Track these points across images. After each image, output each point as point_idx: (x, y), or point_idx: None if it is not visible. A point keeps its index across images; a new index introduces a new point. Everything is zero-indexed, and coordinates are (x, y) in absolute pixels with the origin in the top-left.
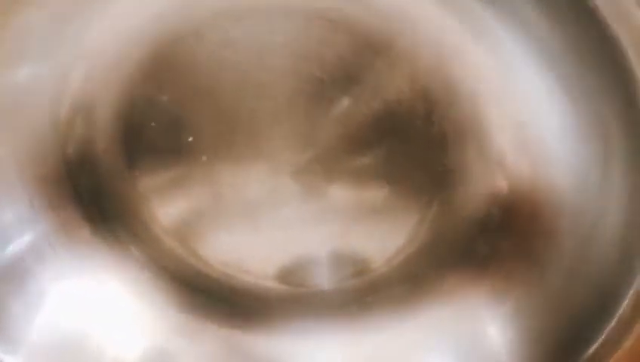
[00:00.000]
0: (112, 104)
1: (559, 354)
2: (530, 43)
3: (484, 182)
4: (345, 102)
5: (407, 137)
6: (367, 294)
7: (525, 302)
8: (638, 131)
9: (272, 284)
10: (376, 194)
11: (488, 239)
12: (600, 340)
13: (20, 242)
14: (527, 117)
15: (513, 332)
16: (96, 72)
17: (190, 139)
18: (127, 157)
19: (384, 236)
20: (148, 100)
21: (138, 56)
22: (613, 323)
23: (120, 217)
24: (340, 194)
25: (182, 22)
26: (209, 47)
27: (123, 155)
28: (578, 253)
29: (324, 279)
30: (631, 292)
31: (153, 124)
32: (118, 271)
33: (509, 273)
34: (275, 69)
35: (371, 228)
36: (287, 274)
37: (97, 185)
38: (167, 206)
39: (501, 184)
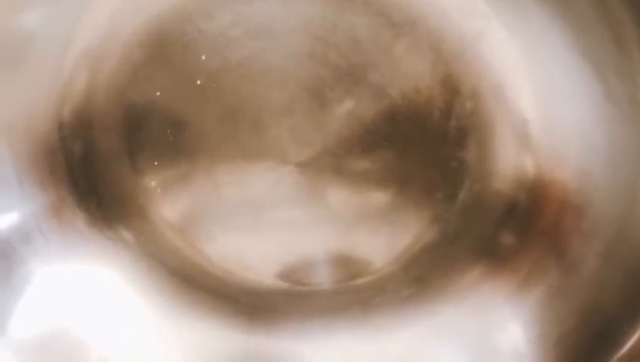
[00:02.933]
0: (115, 75)
1: (585, 356)
2: (560, 24)
3: (509, 169)
4: (360, 92)
5: (422, 131)
6: (375, 294)
7: (549, 298)
8: None
9: (273, 282)
10: (386, 191)
11: (513, 229)
12: (631, 341)
13: (6, 220)
14: (555, 103)
15: (536, 331)
16: (104, 28)
17: (192, 133)
18: (127, 142)
19: (394, 235)
20: (151, 83)
21: (145, 28)
22: None
23: (117, 206)
24: (348, 191)
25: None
26: (218, 27)
27: (123, 140)
28: (609, 246)
29: (326, 278)
30: None
31: (156, 113)
32: (110, 261)
33: (533, 266)
34: (287, 54)
35: (379, 227)
36: (289, 273)
37: (94, 168)
38: (168, 199)
39: (528, 169)
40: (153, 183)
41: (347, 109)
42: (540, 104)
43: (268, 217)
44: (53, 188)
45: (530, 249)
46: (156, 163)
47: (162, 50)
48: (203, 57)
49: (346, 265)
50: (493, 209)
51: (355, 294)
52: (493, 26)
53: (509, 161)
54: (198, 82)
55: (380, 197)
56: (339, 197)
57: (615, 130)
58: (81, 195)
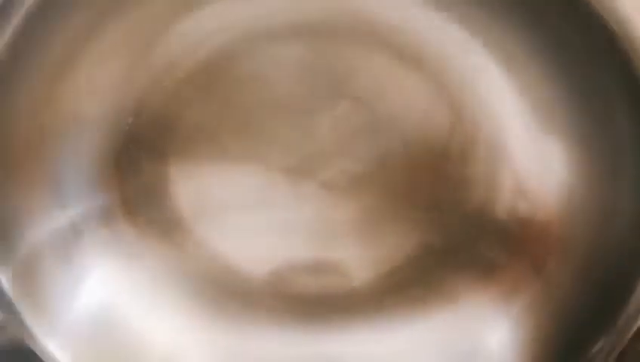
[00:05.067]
0: None
1: (562, 358)
2: (550, 67)
3: (504, 193)
4: (347, 103)
5: (430, 151)
6: (362, 302)
7: (530, 308)
8: None
9: (260, 285)
10: (376, 201)
11: (504, 246)
12: (598, 346)
13: (75, 211)
14: (543, 136)
15: (515, 339)
16: None
17: (179, 136)
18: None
19: (380, 245)
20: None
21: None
22: (614, 326)
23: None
24: (333, 198)
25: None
26: (254, 65)
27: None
28: (584, 262)
29: (310, 285)
30: (632, 297)
31: (144, 113)
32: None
33: (516, 281)
34: (280, 61)
35: (366, 237)
36: (276, 277)
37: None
38: (154, 199)
39: (520, 197)
40: (139, 182)
41: (336, 118)
42: (531, 134)
43: (253, 220)
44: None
45: (515, 265)
46: (142, 163)
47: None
48: (196, 59)
49: (330, 274)
50: (490, 225)
51: (341, 301)
52: (489, 63)
53: (506, 182)
54: (186, 86)
55: (367, 207)
56: (323, 204)
57: (591, 162)
58: (126, 191)
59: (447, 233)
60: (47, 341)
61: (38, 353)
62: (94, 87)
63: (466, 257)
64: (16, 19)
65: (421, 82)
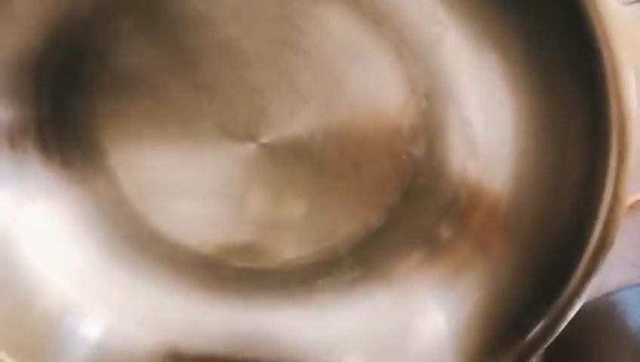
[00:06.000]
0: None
1: (500, 339)
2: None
3: (454, 168)
4: (327, 79)
5: (379, 124)
6: (321, 275)
7: (472, 290)
8: (596, 127)
9: (211, 255)
10: (342, 176)
11: (450, 223)
12: (539, 326)
13: None
14: (495, 111)
15: (458, 318)
16: None
17: (166, 103)
18: (98, 102)
19: (343, 218)
20: (133, 51)
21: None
22: (551, 310)
23: (76, 152)
24: (305, 172)
25: None
26: (200, 8)
27: (95, 98)
28: (528, 243)
29: (245, 258)
30: (571, 280)
31: (131, 81)
32: (55, 194)
33: (462, 261)
34: (263, 39)
35: (330, 209)
36: (205, 247)
37: (62, 107)
38: (130, 163)
39: (470, 172)
40: (114, 139)
41: (283, 73)
42: (484, 111)
43: (186, 182)
44: (16, 108)
45: (462, 244)
46: (121, 121)
47: (148, 20)
48: (184, 33)
49: (264, 248)
50: (436, 203)
51: (302, 274)
52: (450, 34)
53: (455, 160)
54: (177, 56)
55: (333, 180)
56: (297, 176)
57: (538, 142)
58: (43, 126)
59: (389, 211)
60: None
61: None
62: None
63: (409, 236)
64: None
65: (378, 48)
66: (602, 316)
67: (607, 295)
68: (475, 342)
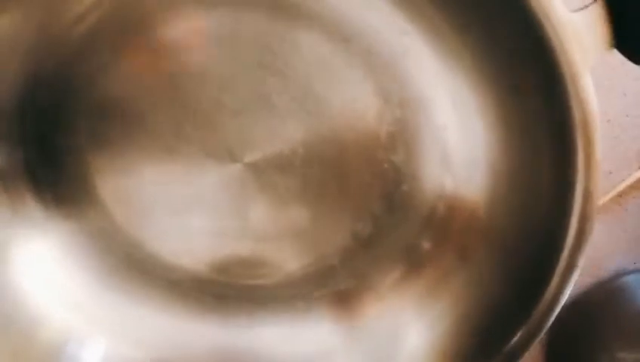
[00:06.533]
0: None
1: (482, 347)
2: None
3: (432, 179)
4: (304, 98)
5: (358, 134)
6: (316, 288)
7: (453, 301)
8: (563, 131)
9: (206, 275)
10: (327, 187)
11: (431, 233)
12: (520, 334)
13: None
14: (467, 117)
15: (443, 327)
16: None
17: (146, 128)
18: (80, 128)
19: (333, 229)
20: (110, 76)
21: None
22: (531, 318)
23: (64, 186)
24: (287, 186)
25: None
26: (177, 34)
27: (78, 124)
28: (507, 251)
29: (236, 274)
30: (549, 287)
31: (112, 106)
32: (49, 230)
33: (442, 273)
34: (239, 62)
35: (319, 220)
36: (221, 268)
37: (47, 143)
38: (118, 194)
39: (447, 181)
40: (102, 171)
41: (262, 96)
42: (456, 117)
43: (176, 207)
44: (3, 152)
45: (443, 254)
46: (107, 152)
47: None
48: (162, 59)
49: (254, 265)
50: (418, 212)
51: (298, 288)
52: (417, 45)
53: (432, 168)
54: (156, 81)
55: (319, 192)
56: (283, 191)
57: (509, 145)
58: (32, 166)
59: (375, 220)
60: None
61: None
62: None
63: (394, 246)
64: None
65: (348, 64)
66: (602, 302)
67: (607, 281)
68: (460, 352)
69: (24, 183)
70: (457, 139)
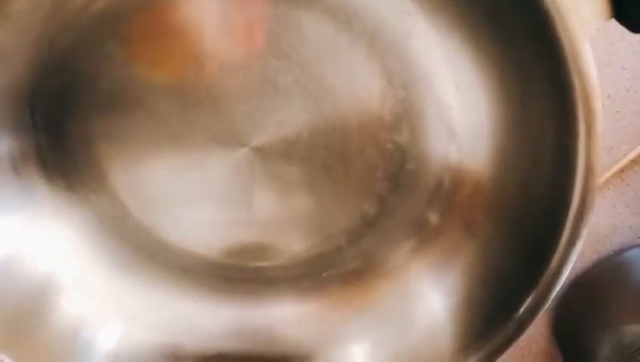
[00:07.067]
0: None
1: (491, 317)
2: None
3: (437, 155)
4: (308, 80)
5: (362, 115)
6: (325, 268)
7: (464, 271)
8: (564, 102)
9: (216, 259)
10: (332, 169)
11: (438, 208)
12: (527, 302)
13: None
14: (471, 94)
15: (454, 300)
16: None
17: (155, 117)
18: (93, 119)
19: (339, 209)
20: (118, 67)
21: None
22: (537, 287)
23: (78, 172)
24: (297, 170)
25: None
26: (179, 21)
27: (90, 116)
28: (512, 220)
29: (246, 258)
30: (556, 253)
31: (121, 96)
32: (61, 216)
33: (452, 244)
34: (242, 46)
35: (325, 202)
36: (231, 252)
37: (59, 130)
38: (127, 176)
39: (452, 155)
40: (112, 158)
41: (266, 79)
42: (460, 94)
43: (187, 193)
44: (15, 137)
45: (450, 228)
46: (117, 140)
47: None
48: (167, 46)
49: (263, 247)
50: (424, 188)
51: (307, 268)
52: (420, 24)
53: (437, 145)
54: (161, 69)
55: (324, 174)
56: (290, 174)
57: (512, 119)
58: (43, 152)
59: (381, 200)
60: None
61: None
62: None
63: (402, 224)
64: None
65: (352, 45)
66: (606, 277)
67: (610, 257)
68: (471, 321)
69: (35, 168)
70: (462, 117)
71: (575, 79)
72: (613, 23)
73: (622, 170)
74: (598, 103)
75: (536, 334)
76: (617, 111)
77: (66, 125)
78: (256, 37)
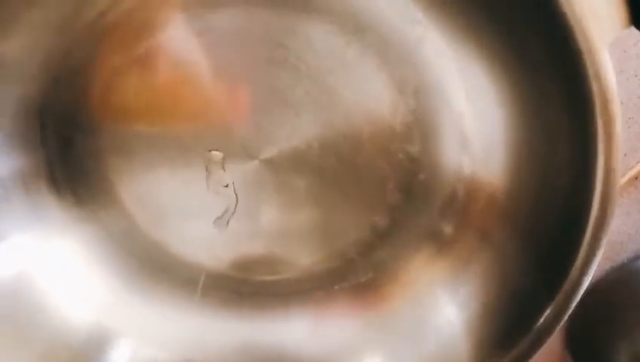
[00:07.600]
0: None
1: (510, 329)
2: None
3: (450, 165)
4: (318, 92)
5: (373, 126)
6: (337, 280)
7: (480, 280)
8: (582, 109)
9: (226, 272)
10: (343, 181)
11: (452, 219)
12: (547, 312)
13: None
14: (483, 103)
15: (470, 310)
16: None
17: (163, 131)
18: (101, 133)
19: (350, 222)
20: (125, 85)
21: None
22: (559, 294)
23: (86, 186)
24: (304, 180)
25: None
26: (188, 35)
27: (98, 129)
28: (528, 230)
29: (257, 271)
30: (575, 263)
31: (129, 111)
32: (71, 232)
33: (467, 254)
34: (251, 59)
35: (336, 214)
36: (241, 266)
37: (68, 147)
38: (137, 195)
39: (465, 165)
40: (121, 173)
41: (276, 91)
42: (472, 103)
43: (195, 206)
44: (26, 154)
45: (465, 237)
46: (126, 154)
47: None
48: (174, 62)
49: (275, 261)
50: (437, 199)
51: (318, 282)
52: (431, 33)
53: (450, 155)
54: (169, 82)
55: (335, 185)
56: (300, 186)
57: (526, 127)
58: (53, 168)
59: (392, 211)
60: None
61: None
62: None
63: (415, 235)
64: None
65: (362, 56)
66: (621, 285)
67: (625, 264)
68: (488, 333)
69: (45, 185)
70: (474, 126)
71: (594, 85)
72: (626, 30)
73: (635, 178)
74: (618, 109)
75: (549, 344)
76: (630, 118)
77: (75, 139)
78: None
